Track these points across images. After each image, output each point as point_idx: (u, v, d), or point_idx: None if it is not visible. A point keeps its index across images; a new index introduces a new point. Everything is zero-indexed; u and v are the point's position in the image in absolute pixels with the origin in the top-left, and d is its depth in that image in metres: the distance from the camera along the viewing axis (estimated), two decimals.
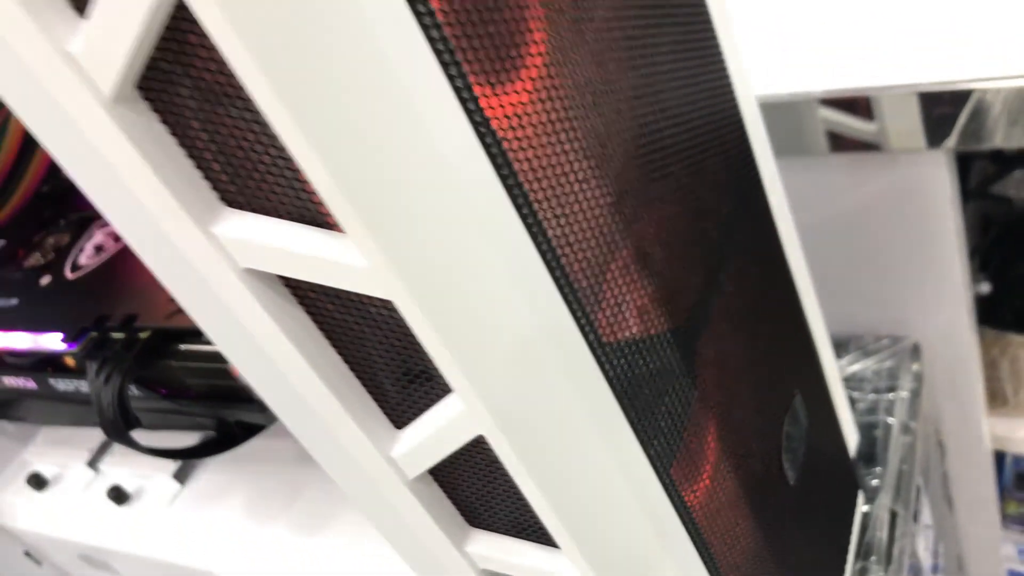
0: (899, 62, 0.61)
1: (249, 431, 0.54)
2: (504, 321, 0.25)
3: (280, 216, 0.24)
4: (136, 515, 0.62)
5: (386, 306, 0.26)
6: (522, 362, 0.26)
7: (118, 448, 0.67)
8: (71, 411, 0.62)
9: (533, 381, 0.26)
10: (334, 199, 0.22)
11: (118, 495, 0.62)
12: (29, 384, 0.58)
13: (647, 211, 0.31)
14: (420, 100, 0.22)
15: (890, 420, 0.61)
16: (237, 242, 0.24)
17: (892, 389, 0.63)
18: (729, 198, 0.38)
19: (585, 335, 0.28)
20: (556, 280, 0.26)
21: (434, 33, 0.22)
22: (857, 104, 0.64)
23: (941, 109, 0.62)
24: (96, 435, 0.69)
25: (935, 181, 0.63)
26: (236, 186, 0.24)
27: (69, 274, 0.56)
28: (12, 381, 0.59)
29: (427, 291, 0.24)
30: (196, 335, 0.47)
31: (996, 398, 0.77)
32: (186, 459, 0.56)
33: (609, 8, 0.30)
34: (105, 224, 0.58)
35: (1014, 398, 0.77)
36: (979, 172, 0.86)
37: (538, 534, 0.32)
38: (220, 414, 0.50)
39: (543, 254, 0.26)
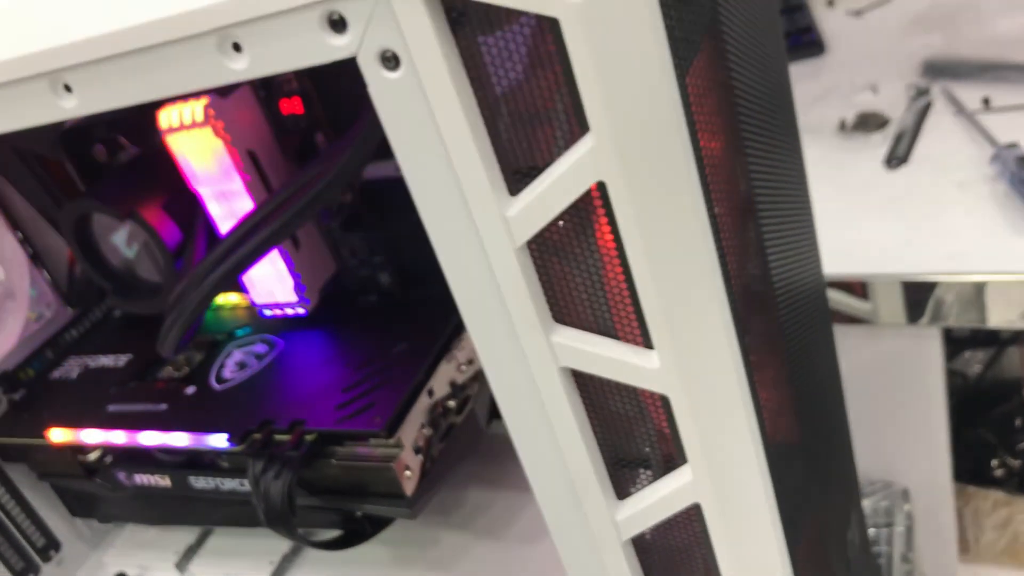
0: (888, 256, 0.76)
1: (376, 526, 0.62)
2: (728, 411, 0.36)
3: (589, 330, 0.35)
4: None
5: (643, 402, 0.37)
6: (733, 442, 0.37)
7: (206, 550, 0.73)
8: (184, 510, 0.69)
9: (739, 459, 0.37)
10: (657, 325, 0.33)
11: None
12: (162, 482, 0.65)
13: (791, 349, 0.43)
14: (708, 250, 0.33)
15: (891, 550, 0.72)
16: (562, 346, 0.35)
17: (889, 524, 0.75)
18: (818, 346, 0.51)
19: (762, 430, 0.39)
20: (751, 385, 0.37)
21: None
22: (853, 287, 0.79)
23: (917, 294, 0.77)
24: (183, 537, 0.75)
25: (918, 351, 0.78)
26: (566, 309, 0.35)
27: (215, 385, 0.64)
28: (144, 479, 0.66)
29: (693, 389, 0.35)
30: (356, 437, 0.56)
31: (960, 544, 0.89)
32: (334, 550, 0.63)
33: (769, 200, 0.43)
34: (244, 345, 0.67)
35: (975, 545, 0.89)
36: None
37: None
38: (362, 509, 0.58)
39: (747, 370, 0.37)
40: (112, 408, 0.66)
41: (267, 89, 0.61)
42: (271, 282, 0.64)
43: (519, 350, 0.35)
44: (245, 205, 0.60)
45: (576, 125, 0.31)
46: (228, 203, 0.61)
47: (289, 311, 0.66)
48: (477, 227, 0.32)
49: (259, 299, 0.66)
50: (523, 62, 0.30)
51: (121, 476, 0.66)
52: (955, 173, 0.78)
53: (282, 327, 0.68)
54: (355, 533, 0.62)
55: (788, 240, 0.44)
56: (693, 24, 0.32)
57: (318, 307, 0.66)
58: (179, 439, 0.61)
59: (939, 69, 0.94)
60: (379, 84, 0.30)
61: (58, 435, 0.66)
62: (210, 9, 0.31)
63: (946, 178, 0.78)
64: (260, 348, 0.66)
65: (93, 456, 0.68)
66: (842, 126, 0.89)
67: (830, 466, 0.51)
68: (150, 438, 0.62)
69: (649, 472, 0.40)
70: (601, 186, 0.31)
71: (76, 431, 0.65)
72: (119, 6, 0.34)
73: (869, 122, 0.88)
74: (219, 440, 0.59)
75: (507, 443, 0.72)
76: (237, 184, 0.60)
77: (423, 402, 0.57)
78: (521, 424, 0.38)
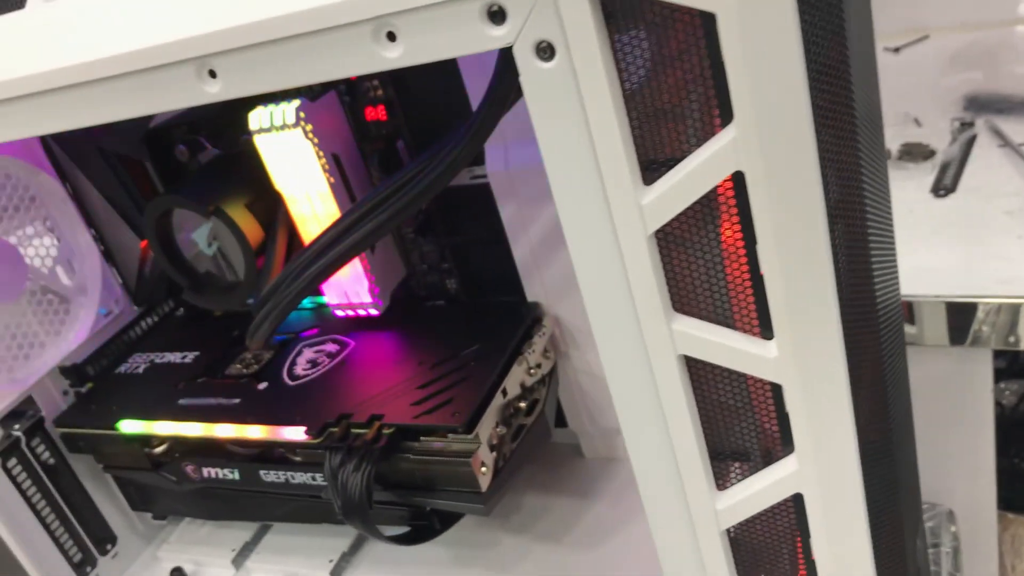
0: (940, 281, 0.78)
1: (445, 523, 0.63)
2: (835, 402, 0.37)
3: (708, 320, 0.37)
4: None
5: (748, 396, 0.38)
6: (837, 433, 0.38)
7: (262, 547, 0.74)
8: (245, 505, 0.70)
9: (841, 450, 0.38)
10: (780, 316, 0.34)
11: None
12: (231, 476, 0.66)
13: (880, 351, 0.45)
14: (827, 245, 0.35)
15: (940, 570, 0.73)
16: (681, 334, 0.36)
17: (936, 545, 0.76)
18: (897, 355, 0.52)
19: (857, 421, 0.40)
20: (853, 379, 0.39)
21: None
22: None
23: (960, 317, 0.78)
24: (238, 534, 0.75)
25: (966, 374, 0.79)
26: (685, 299, 0.37)
27: (288, 381, 0.66)
28: (212, 472, 0.67)
29: (807, 378, 0.36)
30: (435, 432, 0.57)
31: (999, 570, 0.90)
32: (406, 545, 0.64)
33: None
34: (314, 345, 0.69)
35: (1012, 573, 0.90)
36: None
37: None
38: (436, 505, 0.60)
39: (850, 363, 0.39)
40: (183, 402, 0.67)
41: (352, 95, 0.63)
42: (347, 283, 0.66)
43: (639, 336, 0.37)
44: (328, 207, 0.62)
45: (715, 117, 0.32)
46: (311, 204, 0.63)
47: (362, 312, 0.67)
48: (612, 214, 0.34)
49: (333, 300, 0.67)
50: (667, 55, 0.32)
51: (189, 469, 0.68)
52: (1004, 202, 0.80)
53: (350, 327, 0.69)
54: (424, 529, 0.63)
55: (881, 246, 0.45)
56: (823, 28, 0.33)
57: (387, 309, 0.68)
58: (255, 432, 0.62)
59: (982, 104, 0.96)
60: (532, 73, 0.32)
61: (129, 427, 0.67)
62: None
63: (995, 207, 0.80)
64: (331, 347, 0.68)
65: (160, 449, 0.69)
66: (887, 156, 0.91)
67: (903, 472, 0.53)
68: (225, 431, 0.63)
69: (744, 465, 0.41)
70: (737, 176, 0.33)
71: (148, 423, 0.67)
72: None
73: (915, 152, 0.90)
74: (296, 433, 0.60)
75: (564, 450, 0.73)
76: (321, 186, 0.61)
77: (497, 401, 0.59)
78: (633, 410, 0.39)
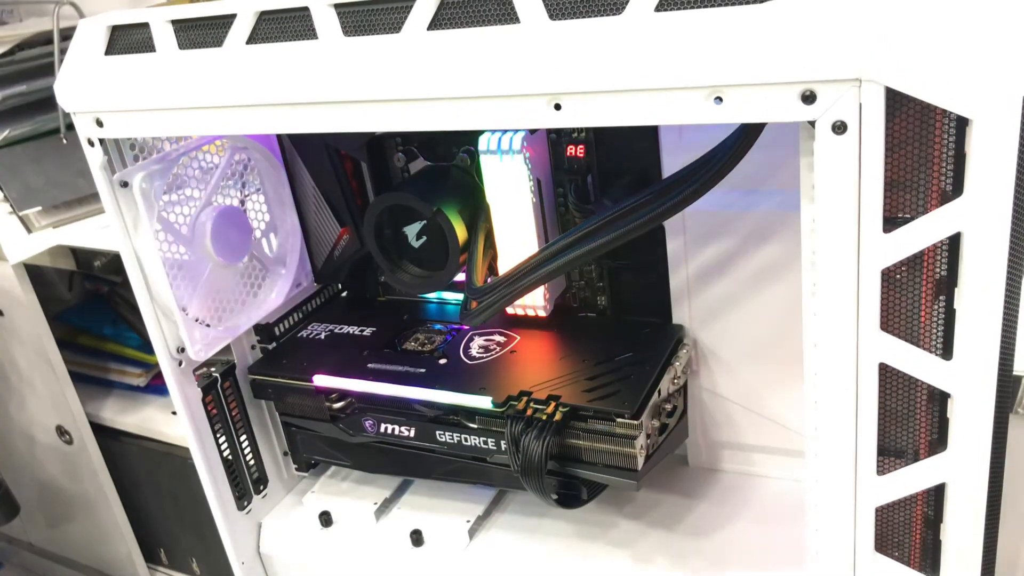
0: None
1: (592, 494, 0.75)
2: (985, 413, 0.50)
3: (903, 339, 0.49)
4: (430, 558, 0.80)
5: (915, 405, 0.51)
6: (981, 438, 0.51)
7: (403, 503, 0.86)
8: (409, 461, 0.81)
9: (979, 453, 0.51)
10: (963, 341, 0.47)
11: (417, 538, 0.80)
12: (406, 432, 0.78)
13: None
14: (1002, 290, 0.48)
15: None
16: (885, 347, 0.49)
17: None
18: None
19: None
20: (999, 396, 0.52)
21: None
22: None
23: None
24: (379, 490, 0.87)
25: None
26: (890, 322, 0.49)
27: (466, 360, 0.78)
28: (390, 428, 0.79)
29: (971, 391, 0.49)
30: (605, 416, 0.69)
31: None
32: (562, 507, 0.75)
33: None
34: (483, 334, 0.81)
35: None
36: None
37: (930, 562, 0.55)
38: (596, 478, 0.71)
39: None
40: (372, 366, 0.79)
41: (558, 134, 0.76)
42: None
43: (854, 344, 0.49)
44: (526, 221, 0.75)
45: (948, 192, 0.46)
46: (511, 217, 0.75)
47: (531, 313, 0.80)
48: (860, 252, 0.47)
49: None
50: (923, 140, 0.45)
51: (367, 423, 0.79)
52: None
53: (510, 324, 0.82)
54: (573, 497, 0.75)
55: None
56: None
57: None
58: (443, 396, 0.74)
59: None
60: (826, 143, 0.45)
61: (323, 380, 0.79)
62: (705, 71, 0.46)
63: None
64: (498, 338, 0.80)
65: (340, 404, 0.80)
66: None
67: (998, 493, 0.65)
68: (415, 392, 0.75)
69: (897, 460, 0.53)
70: (955, 236, 0.46)
71: (341, 380, 0.79)
72: (624, 58, 0.49)
73: None
74: (482, 401, 0.72)
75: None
76: (525, 203, 0.74)
77: (655, 398, 0.71)
78: (835, 402, 0.51)
